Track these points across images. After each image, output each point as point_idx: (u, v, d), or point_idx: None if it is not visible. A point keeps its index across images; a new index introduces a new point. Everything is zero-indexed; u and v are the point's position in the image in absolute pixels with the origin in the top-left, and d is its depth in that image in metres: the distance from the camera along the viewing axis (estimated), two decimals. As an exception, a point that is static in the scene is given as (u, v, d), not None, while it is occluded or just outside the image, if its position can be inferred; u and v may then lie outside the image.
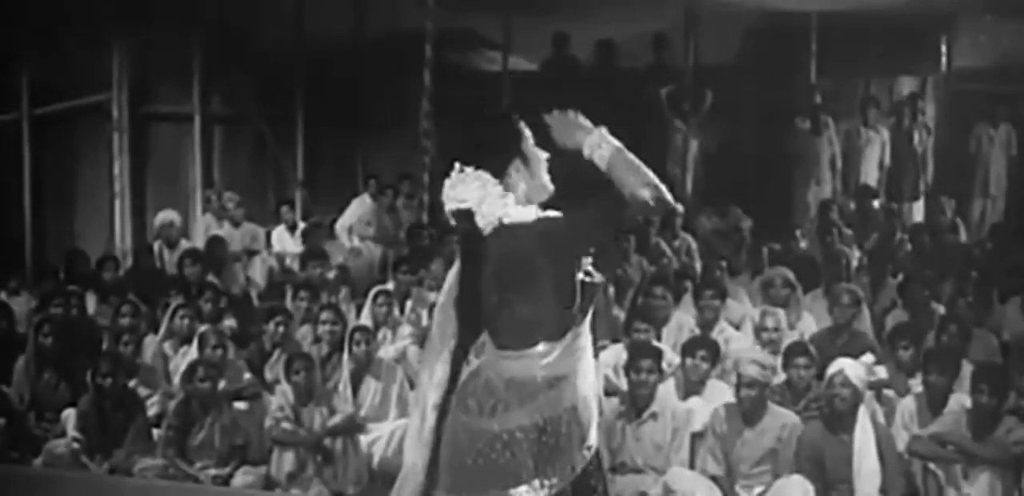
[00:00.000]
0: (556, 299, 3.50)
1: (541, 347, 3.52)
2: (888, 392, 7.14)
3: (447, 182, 3.59)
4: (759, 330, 7.79)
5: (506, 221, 3.51)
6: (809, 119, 13.14)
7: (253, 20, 13.00)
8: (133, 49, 11.91)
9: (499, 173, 3.55)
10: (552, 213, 3.50)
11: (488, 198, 3.52)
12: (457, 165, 3.58)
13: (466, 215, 3.57)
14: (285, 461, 7.01)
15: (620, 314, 8.90)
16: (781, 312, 7.99)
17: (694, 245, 11.24)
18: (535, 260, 3.47)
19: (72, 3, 11.43)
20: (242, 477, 7.04)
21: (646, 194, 3.31)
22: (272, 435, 7.10)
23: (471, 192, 3.54)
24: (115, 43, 11.74)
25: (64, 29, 11.57)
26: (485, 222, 3.52)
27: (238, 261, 11.05)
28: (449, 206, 3.58)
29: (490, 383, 3.56)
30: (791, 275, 8.68)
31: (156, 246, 11.02)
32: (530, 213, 3.51)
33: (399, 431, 7.05)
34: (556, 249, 3.46)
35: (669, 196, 3.35)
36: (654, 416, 6.68)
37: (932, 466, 6.36)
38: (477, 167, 3.57)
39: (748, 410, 6.52)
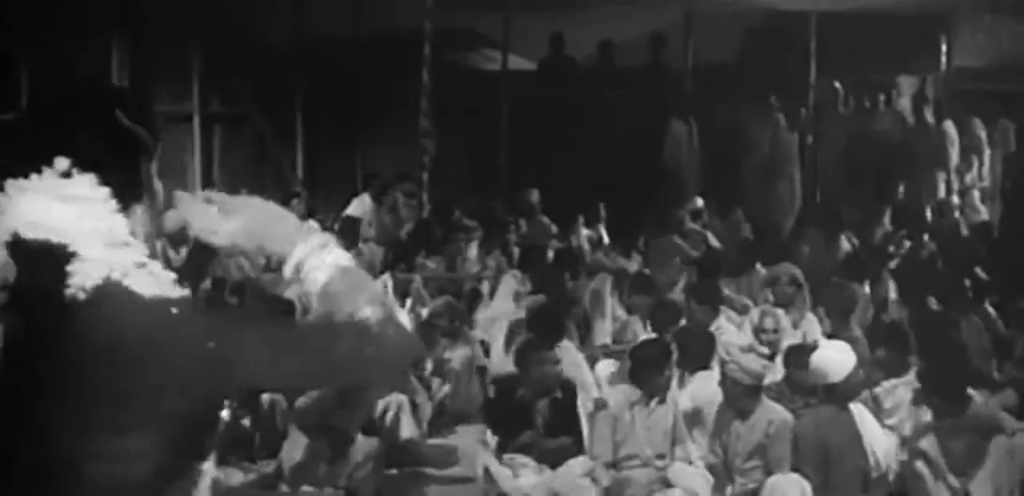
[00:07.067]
0: None
1: None
2: (886, 387, 7.14)
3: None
4: (758, 331, 7.76)
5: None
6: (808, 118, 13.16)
7: (253, 20, 13.01)
8: (133, 49, 11.91)
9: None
10: None
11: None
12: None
13: None
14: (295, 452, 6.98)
15: (621, 313, 8.91)
16: (781, 312, 7.97)
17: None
18: None
19: (72, 3, 11.43)
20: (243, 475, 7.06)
21: (368, 313, 2.10)
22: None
23: None
24: (115, 43, 11.74)
25: (64, 29, 11.57)
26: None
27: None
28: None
29: None
30: (798, 273, 8.65)
31: (159, 245, 10.97)
32: None
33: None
34: None
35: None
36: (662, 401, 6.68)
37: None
38: None
39: (739, 406, 6.52)
